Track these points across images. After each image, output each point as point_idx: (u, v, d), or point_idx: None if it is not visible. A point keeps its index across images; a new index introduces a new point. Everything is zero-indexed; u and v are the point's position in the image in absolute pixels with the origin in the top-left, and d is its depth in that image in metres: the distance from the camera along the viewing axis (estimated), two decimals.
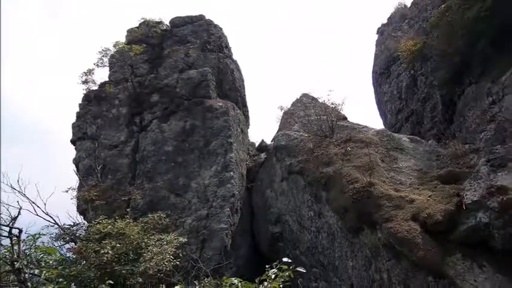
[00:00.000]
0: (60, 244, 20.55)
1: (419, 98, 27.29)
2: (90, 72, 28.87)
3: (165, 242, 17.24)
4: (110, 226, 17.29)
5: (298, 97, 34.92)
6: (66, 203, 23.90)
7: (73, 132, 27.49)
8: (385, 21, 37.39)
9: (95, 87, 28.92)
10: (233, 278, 9.41)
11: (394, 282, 15.55)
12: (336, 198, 19.58)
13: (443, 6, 23.23)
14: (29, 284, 11.79)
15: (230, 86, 29.93)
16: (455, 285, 13.62)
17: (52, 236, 20.35)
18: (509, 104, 17.66)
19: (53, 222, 20.32)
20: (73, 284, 15.22)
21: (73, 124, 27.68)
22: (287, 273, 9.00)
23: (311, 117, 27.12)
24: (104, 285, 10.51)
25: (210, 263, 20.55)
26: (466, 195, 15.11)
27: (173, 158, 24.64)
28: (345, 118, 27.74)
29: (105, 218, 18.05)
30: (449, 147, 19.74)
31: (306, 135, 25.32)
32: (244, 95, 31.87)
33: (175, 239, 17.78)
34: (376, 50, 37.45)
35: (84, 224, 22.29)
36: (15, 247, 12.37)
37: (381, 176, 19.32)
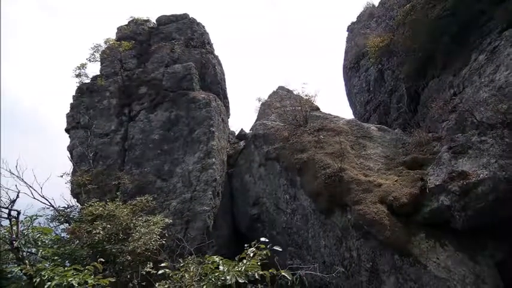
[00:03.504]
0: (55, 225, 20.35)
1: (386, 90, 27.27)
2: (83, 66, 28.60)
3: (152, 223, 17.07)
4: (101, 208, 17.12)
5: (275, 89, 34.82)
6: (61, 187, 23.75)
7: (67, 122, 27.09)
8: (354, 19, 37.46)
9: (87, 80, 28.54)
10: (215, 256, 9.45)
11: (363, 260, 15.51)
12: (310, 183, 19.47)
13: (408, 5, 23.27)
14: (26, 261, 11.73)
15: (212, 79, 29.71)
16: (420, 263, 13.62)
17: (48, 217, 20.16)
18: (469, 95, 17.60)
19: (49, 204, 20.11)
20: (67, 261, 15.05)
21: (67, 114, 27.27)
22: (264, 252, 9.14)
23: (286, 108, 26.97)
24: (95, 263, 10.23)
25: (194, 242, 20.29)
26: (429, 179, 15.14)
27: (159, 145, 24.33)
28: (317, 109, 27.64)
29: (97, 201, 17.84)
30: (414, 135, 19.73)
31: (282, 124, 25.19)
32: (225, 88, 31.64)
33: (161, 220, 17.60)
34: (346, 46, 37.49)
35: (77, 206, 22.09)
36: (14, 228, 12.68)
37: (351, 162, 19.25)
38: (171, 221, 18.94)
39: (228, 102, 31.44)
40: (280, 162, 22.30)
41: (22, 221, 13.71)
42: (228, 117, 30.53)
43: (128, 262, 15.55)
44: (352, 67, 33.92)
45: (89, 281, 9.30)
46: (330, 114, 26.06)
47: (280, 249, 9.23)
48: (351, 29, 37.76)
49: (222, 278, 8.57)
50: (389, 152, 20.04)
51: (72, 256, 15.12)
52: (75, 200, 22.91)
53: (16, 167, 18.53)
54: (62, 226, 20.32)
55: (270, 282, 9.16)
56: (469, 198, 13.46)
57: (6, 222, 13.22)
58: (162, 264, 10.38)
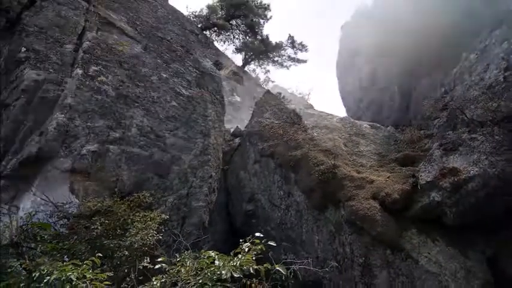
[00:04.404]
0: (54, 220, 20.29)
1: (379, 88, 27.26)
2: None
3: (149, 219, 16.92)
4: (99, 204, 17.04)
5: (270, 87, 34.84)
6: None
7: None
8: (348, 19, 37.49)
9: None
10: (210, 251, 9.33)
11: (356, 255, 15.50)
12: (304, 179, 19.45)
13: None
14: (26, 256, 11.64)
15: (208, 77, 29.66)
16: (411, 258, 13.64)
17: (47, 213, 20.09)
18: (460, 93, 17.67)
19: (48, 200, 20.07)
20: (66, 256, 14.98)
21: None
22: (259, 247, 9.00)
23: (281, 106, 26.92)
24: (93, 258, 10.19)
25: (190, 237, 20.25)
26: (420, 176, 15.11)
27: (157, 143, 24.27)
28: (311, 107, 27.73)
29: (95, 197, 17.76)
30: (405, 133, 19.79)
31: (277, 122, 25.12)
32: (221, 86, 31.52)
33: (158, 216, 17.47)
34: (340, 45, 37.49)
35: (76, 202, 22.03)
36: (14, 223, 12.34)
37: (344, 159, 19.25)
38: (167, 216, 18.82)
39: (224, 100, 31.42)
40: (275, 159, 22.26)
41: (22, 216, 13.70)
42: (224, 115, 30.52)
43: (126, 257, 15.47)
44: (346, 66, 33.96)
45: (87, 275, 9.27)
46: (324, 112, 26.06)
47: (275, 245, 9.18)
48: (344, 28, 37.82)
49: (218, 273, 8.52)
50: (382, 149, 20.06)
51: (71, 251, 15.03)
52: (74, 196, 22.88)
53: None
54: (60, 222, 20.26)
55: (265, 276, 9.15)
56: (460, 195, 13.49)
57: (5, 218, 13.20)
58: (159, 259, 10.34)
